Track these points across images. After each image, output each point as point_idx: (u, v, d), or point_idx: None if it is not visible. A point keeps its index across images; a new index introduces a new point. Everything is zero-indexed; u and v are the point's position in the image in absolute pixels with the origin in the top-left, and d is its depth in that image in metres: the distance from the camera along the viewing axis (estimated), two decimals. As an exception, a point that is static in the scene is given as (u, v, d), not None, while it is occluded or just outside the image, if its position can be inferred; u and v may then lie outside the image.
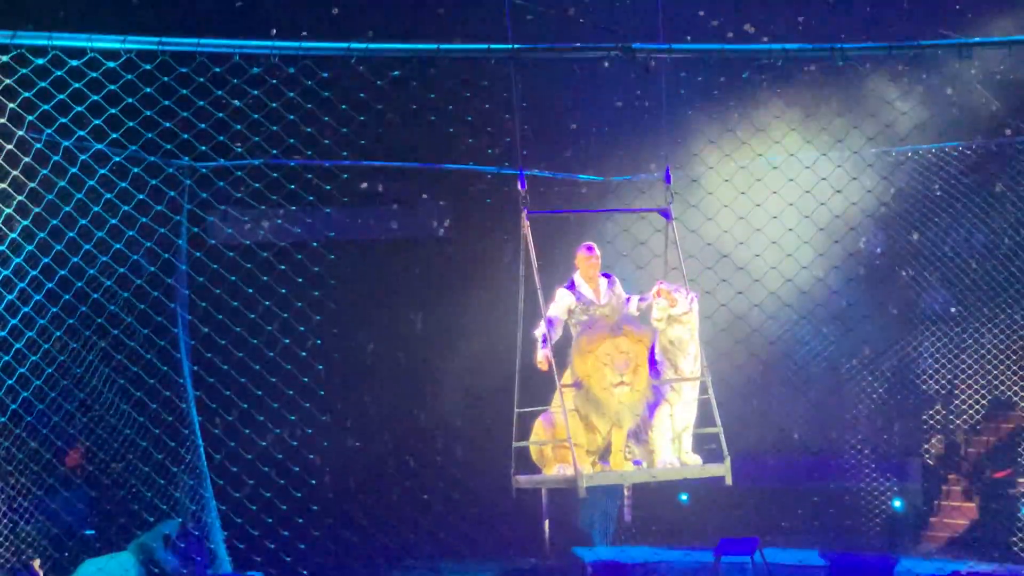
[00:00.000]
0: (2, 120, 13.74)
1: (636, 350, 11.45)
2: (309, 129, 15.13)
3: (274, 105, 15.26)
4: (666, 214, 12.43)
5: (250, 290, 15.21)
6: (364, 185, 21.69)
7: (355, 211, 21.99)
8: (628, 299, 12.43)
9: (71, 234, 15.87)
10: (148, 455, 17.04)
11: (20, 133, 14.68)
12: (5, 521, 16.76)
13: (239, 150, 15.40)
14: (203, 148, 15.28)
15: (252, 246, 15.96)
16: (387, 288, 21.35)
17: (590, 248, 12.38)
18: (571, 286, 12.29)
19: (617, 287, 12.47)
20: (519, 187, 11.73)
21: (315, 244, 20.47)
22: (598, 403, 11.54)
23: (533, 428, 12.17)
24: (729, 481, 11.86)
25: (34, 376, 16.18)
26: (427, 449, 21.64)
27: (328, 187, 17.79)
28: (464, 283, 22.43)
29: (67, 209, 15.53)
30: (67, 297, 16.25)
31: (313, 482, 16.94)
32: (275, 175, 15.65)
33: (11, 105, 13.95)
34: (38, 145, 14.88)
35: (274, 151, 15.57)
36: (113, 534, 17.98)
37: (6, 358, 15.73)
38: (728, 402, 18.16)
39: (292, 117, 15.12)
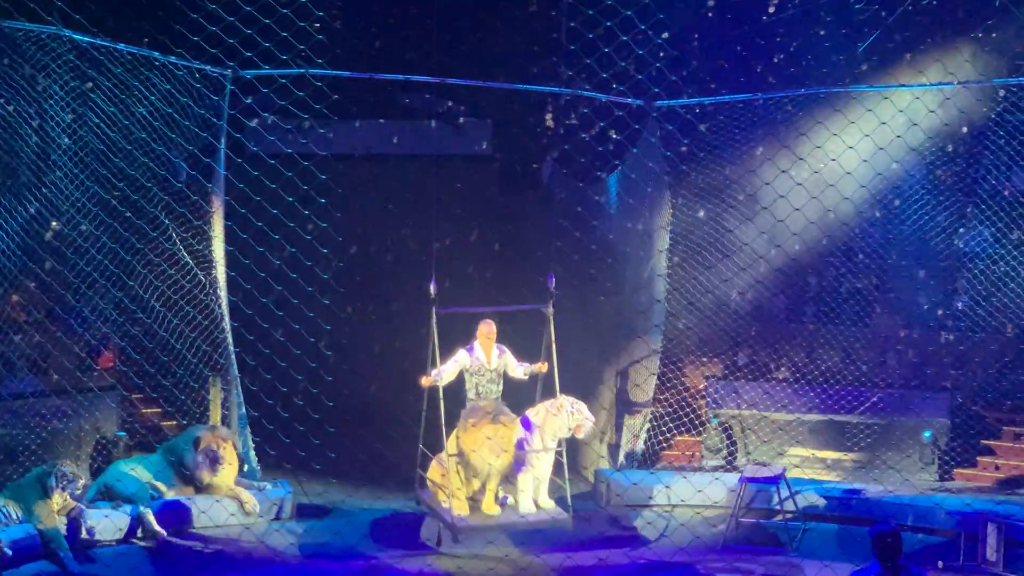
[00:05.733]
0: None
1: (507, 435, 15.46)
2: (355, 40, 15.07)
3: (320, 14, 15.18)
4: (543, 307, 15.97)
5: (290, 199, 15.19)
6: (408, 100, 21.60)
7: (398, 125, 21.92)
8: (519, 365, 16.60)
9: (113, 134, 15.89)
10: (182, 358, 17.12)
11: (64, 32, 14.70)
12: (38, 419, 16.90)
13: (284, 58, 15.34)
14: (248, 54, 15.23)
15: (293, 155, 15.93)
16: (427, 203, 21.29)
17: (488, 324, 16.56)
18: (471, 349, 16.51)
19: (506, 355, 16.64)
20: (431, 289, 15.15)
21: (356, 156, 20.50)
22: (475, 467, 15.57)
23: (431, 464, 16.25)
24: (570, 527, 15.86)
25: (71, 275, 16.29)
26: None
27: (372, 99, 17.80)
28: (504, 199, 22.43)
29: (111, 109, 15.56)
30: (107, 196, 16.31)
31: (346, 392, 16.93)
32: (319, 84, 15.59)
33: (59, 3, 13.96)
34: (83, 45, 14.89)
35: (319, 60, 15.50)
36: (144, 435, 18.12)
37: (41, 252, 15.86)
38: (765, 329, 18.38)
39: (338, 26, 15.06)
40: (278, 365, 15.59)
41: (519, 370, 16.62)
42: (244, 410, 17.94)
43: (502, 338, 16.73)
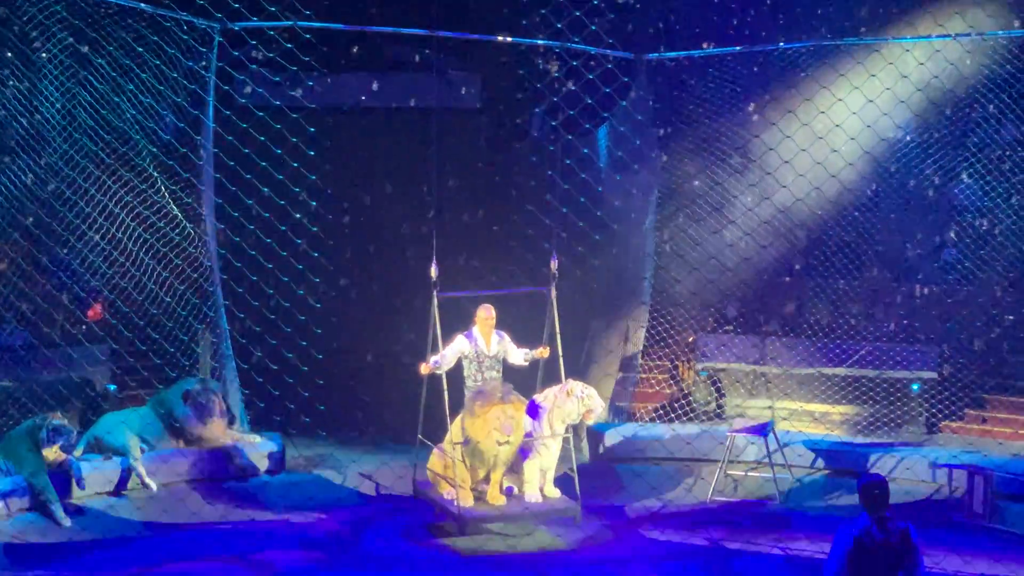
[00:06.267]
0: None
1: (518, 415, 14.58)
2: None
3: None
4: (545, 290, 15.37)
5: (278, 151, 15.16)
6: (397, 52, 21.47)
7: (387, 78, 21.79)
8: (518, 351, 15.83)
9: (101, 86, 15.84)
10: (171, 311, 17.10)
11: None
12: (28, 372, 16.90)
13: (272, 10, 15.28)
14: (236, 6, 15.17)
15: (281, 107, 15.90)
16: (416, 156, 21.25)
17: (488, 309, 15.72)
18: (469, 335, 15.70)
19: (505, 341, 15.85)
20: (432, 271, 14.62)
21: (345, 108, 20.42)
22: (481, 454, 14.71)
23: (432, 454, 15.51)
24: (579, 520, 15.06)
25: (60, 228, 16.26)
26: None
27: (361, 52, 17.64)
28: (492, 153, 22.37)
29: (99, 61, 15.50)
30: (95, 149, 16.27)
31: (335, 345, 16.92)
32: (308, 36, 15.54)
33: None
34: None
35: (307, 12, 15.45)
36: (134, 388, 18.13)
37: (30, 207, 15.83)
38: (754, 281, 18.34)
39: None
40: (267, 318, 15.60)
41: (519, 356, 15.89)
42: (234, 363, 17.96)
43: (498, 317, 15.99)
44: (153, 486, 16.30)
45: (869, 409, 18.89)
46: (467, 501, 14.80)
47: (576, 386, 15.00)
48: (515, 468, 15.22)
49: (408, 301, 20.51)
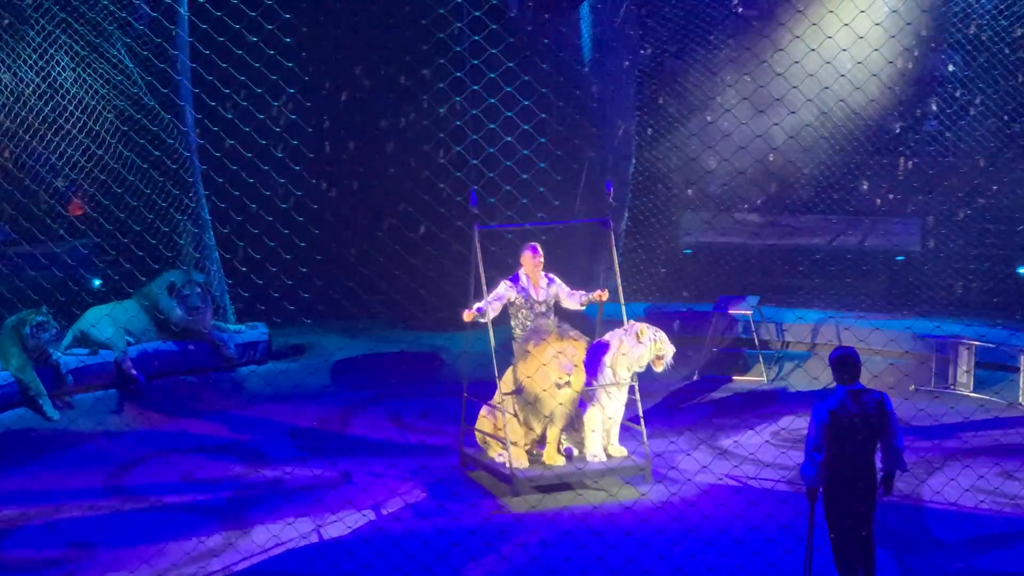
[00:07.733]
0: None
1: (578, 353, 12.71)
2: None
3: None
4: (605, 223, 13.84)
5: (254, 39, 14.97)
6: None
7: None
8: (572, 294, 13.82)
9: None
10: (152, 203, 17.03)
11: None
12: (11, 268, 16.86)
13: None
14: None
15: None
16: (395, 40, 21.02)
17: (535, 249, 13.69)
18: (514, 279, 13.67)
19: (557, 285, 13.82)
20: (471, 206, 12.96)
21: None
22: (536, 404, 12.83)
23: (480, 413, 13.64)
24: (649, 479, 13.11)
25: (36, 122, 16.15)
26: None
27: None
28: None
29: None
30: (70, 41, 16.11)
31: (317, 232, 16.86)
32: None
33: None
34: None
35: None
36: (118, 282, 18.11)
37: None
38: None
39: None
40: (248, 207, 15.52)
41: (574, 300, 13.85)
42: (217, 253, 17.94)
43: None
44: (140, 379, 16.35)
45: (853, 282, 18.92)
46: (520, 461, 13.02)
47: (647, 328, 13.14)
48: (575, 427, 13.33)
49: (388, 191, 20.46)
